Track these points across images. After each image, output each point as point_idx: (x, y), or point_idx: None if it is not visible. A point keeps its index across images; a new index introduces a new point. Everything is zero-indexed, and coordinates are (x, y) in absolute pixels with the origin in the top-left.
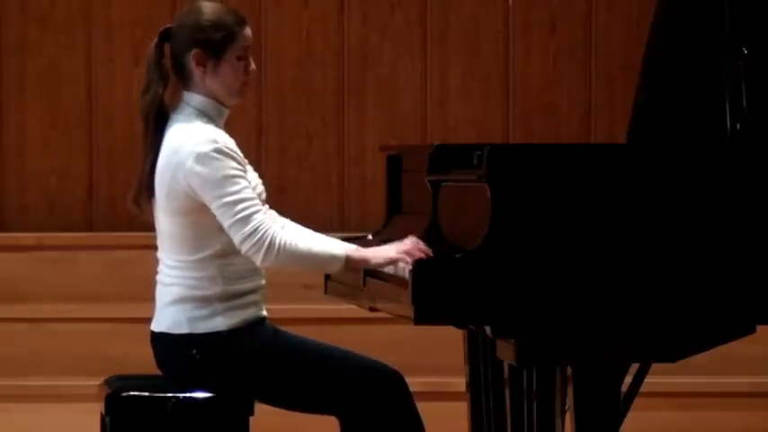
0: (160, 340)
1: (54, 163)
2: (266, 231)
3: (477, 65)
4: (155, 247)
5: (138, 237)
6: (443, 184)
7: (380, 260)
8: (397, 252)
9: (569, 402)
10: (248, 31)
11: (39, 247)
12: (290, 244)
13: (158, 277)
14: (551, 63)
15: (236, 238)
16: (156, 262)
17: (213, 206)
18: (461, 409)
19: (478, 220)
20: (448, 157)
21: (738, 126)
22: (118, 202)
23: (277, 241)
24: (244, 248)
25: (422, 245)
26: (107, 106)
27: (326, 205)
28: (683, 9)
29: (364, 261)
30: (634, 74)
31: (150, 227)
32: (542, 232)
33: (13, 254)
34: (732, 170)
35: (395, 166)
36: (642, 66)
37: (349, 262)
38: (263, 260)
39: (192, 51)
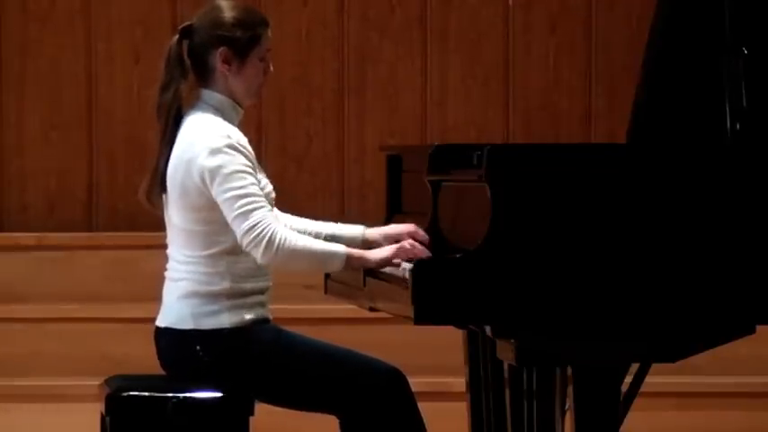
0: (164, 335)
1: (54, 163)
2: (266, 227)
3: (477, 65)
4: (155, 247)
5: (138, 237)
6: (443, 184)
7: (379, 259)
8: (392, 251)
9: (569, 402)
10: (270, 32)
11: (39, 247)
12: (290, 241)
13: (167, 273)
14: (551, 63)
15: (238, 233)
16: (163, 260)
17: (219, 200)
18: (461, 409)
19: (478, 220)
20: (448, 157)
21: (738, 126)
22: (118, 202)
23: (277, 238)
24: (244, 243)
25: (418, 246)
26: (107, 106)
27: (326, 205)
28: (682, 9)
29: (363, 259)
30: (634, 74)
31: (150, 226)
32: (542, 232)
33: (13, 254)
34: (732, 170)
35: (395, 166)
36: (642, 66)
37: (350, 260)
38: (262, 256)
39: (219, 49)
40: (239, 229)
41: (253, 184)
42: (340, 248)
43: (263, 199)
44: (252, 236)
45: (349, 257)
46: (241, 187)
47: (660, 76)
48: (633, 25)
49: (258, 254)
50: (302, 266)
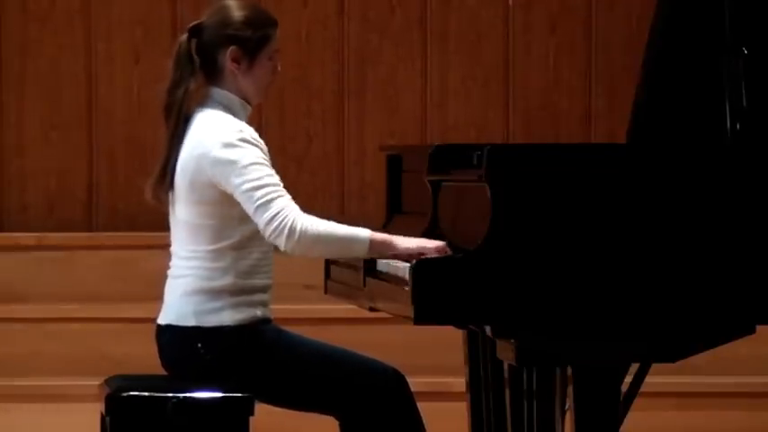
0: (165, 333)
1: (54, 163)
2: (288, 215)
3: (477, 65)
4: (155, 247)
5: (138, 237)
6: (443, 184)
7: (405, 248)
8: (419, 246)
9: (569, 402)
10: (278, 32)
11: (39, 247)
12: (312, 227)
13: (169, 272)
14: (551, 63)
15: (260, 223)
16: (163, 260)
17: (237, 193)
18: (461, 409)
19: (478, 220)
20: (448, 157)
21: (738, 126)
22: (118, 202)
23: (299, 224)
24: (267, 233)
25: (449, 251)
26: (107, 106)
27: (326, 205)
28: (682, 9)
29: (388, 244)
30: (634, 74)
31: (150, 226)
32: (542, 232)
33: (13, 254)
34: (732, 170)
35: (395, 166)
36: (642, 66)
37: (373, 245)
38: (286, 243)
39: (230, 48)
40: (261, 219)
41: (269, 174)
42: (363, 232)
43: (282, 188)
44: (273, 226)
45: (372, 242)
46: (258, 178)
47: (660, 76)
48: (633, 25)
49: (281, 243)
50: (326, 252)
